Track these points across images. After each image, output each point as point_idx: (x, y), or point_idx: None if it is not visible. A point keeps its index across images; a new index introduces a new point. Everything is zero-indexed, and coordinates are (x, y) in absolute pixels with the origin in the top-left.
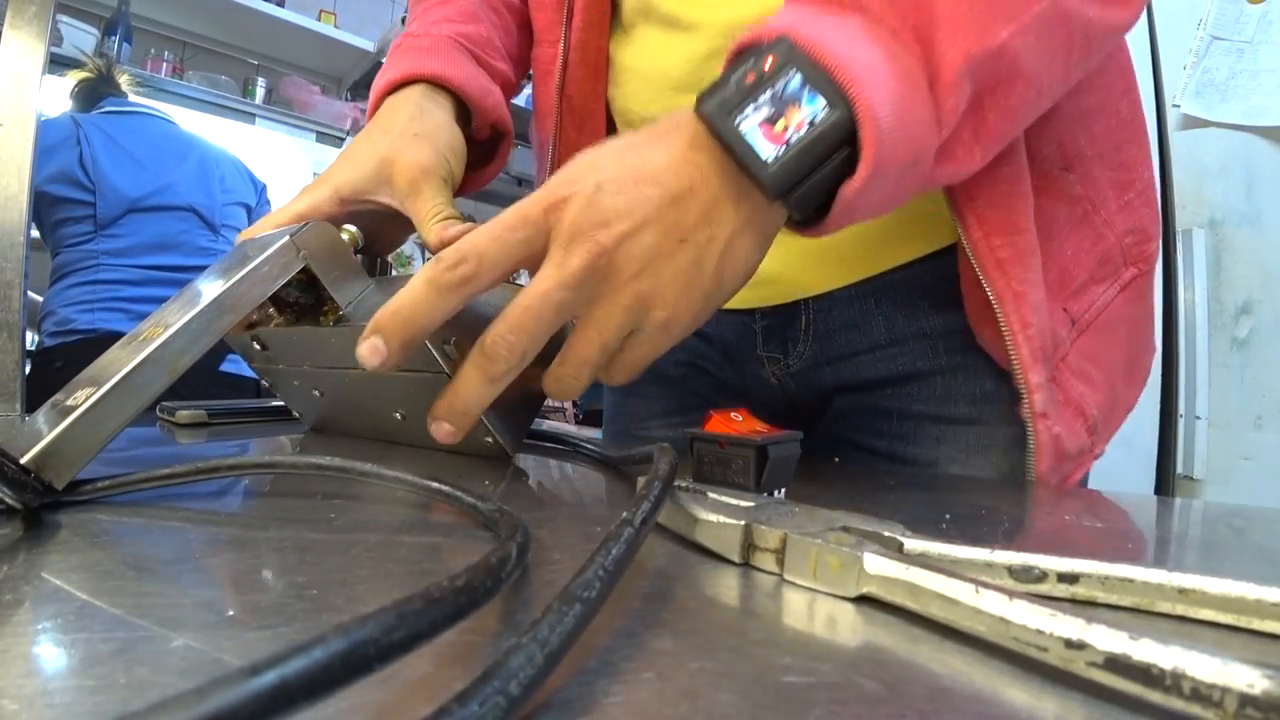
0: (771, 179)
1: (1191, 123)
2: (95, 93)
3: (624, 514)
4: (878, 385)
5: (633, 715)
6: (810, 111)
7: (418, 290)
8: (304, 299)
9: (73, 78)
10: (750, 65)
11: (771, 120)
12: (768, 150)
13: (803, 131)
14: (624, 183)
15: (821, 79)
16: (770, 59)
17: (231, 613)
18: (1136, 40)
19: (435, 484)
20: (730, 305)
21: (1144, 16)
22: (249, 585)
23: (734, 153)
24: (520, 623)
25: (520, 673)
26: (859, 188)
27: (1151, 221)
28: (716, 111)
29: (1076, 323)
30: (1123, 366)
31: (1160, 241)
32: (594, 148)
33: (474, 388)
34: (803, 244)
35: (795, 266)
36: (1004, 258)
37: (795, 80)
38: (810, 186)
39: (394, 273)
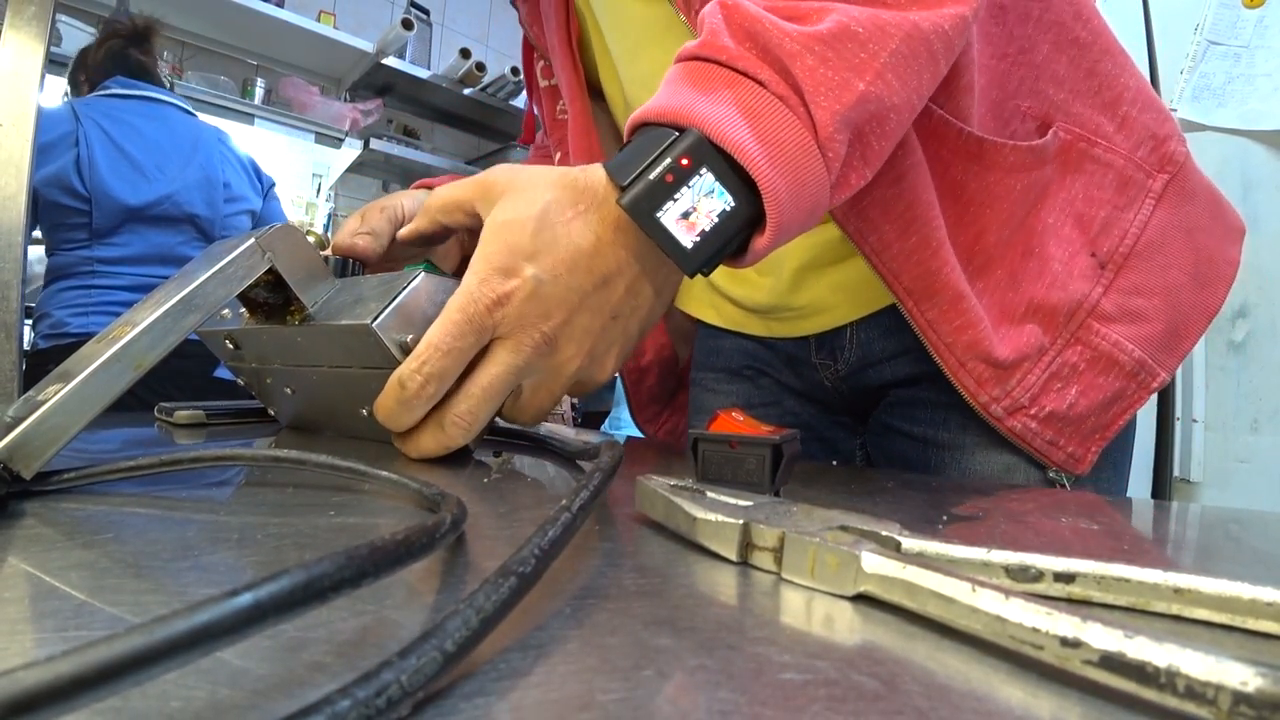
0: (691, 262)
1: (1188, 127)
2: (121, 59)
3: (563, 501)
4: (913, 381)
5: (632, 712)
6: (721, 204)
7: (391, 406)
8: (272, 299)
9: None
10: (668, 165)
11: (687, 214)
12: (686, 239)
13: (714, 220)
14: (558, 271)
15: (731, 177)
16: (685, 159)
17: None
18: (1133, 45)
19: (386, 473)
20: (788, 334)
21: (1141, 21)
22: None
23: (657, 241)
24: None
25: (455, 633)
26: (766, 245)
27: (1159, 124)
28: (640, 208)
29: (1108, 264)
30: (1188, 277)
31: (1181, 138)
32: (517, 200)
33: (430, 449)
34: (843, 281)
35: (841, 301)
36: (933, 318)
37: (708, 179)
38: (719, 256)
39: (363, 273)
